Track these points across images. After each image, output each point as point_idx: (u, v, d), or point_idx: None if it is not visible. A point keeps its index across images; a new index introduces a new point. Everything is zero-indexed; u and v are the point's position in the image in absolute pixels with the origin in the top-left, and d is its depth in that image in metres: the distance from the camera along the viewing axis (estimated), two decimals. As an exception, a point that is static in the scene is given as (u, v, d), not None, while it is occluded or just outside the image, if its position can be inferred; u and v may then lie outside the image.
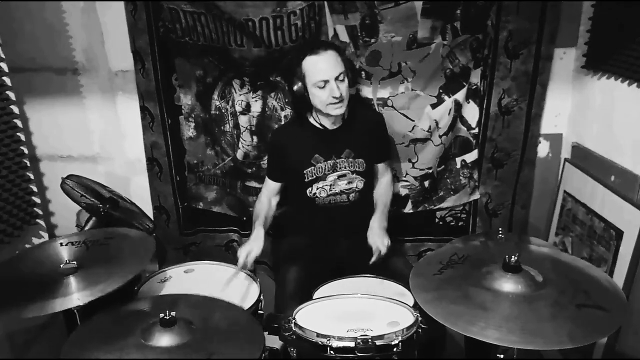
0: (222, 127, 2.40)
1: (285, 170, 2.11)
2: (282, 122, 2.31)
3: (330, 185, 2.04)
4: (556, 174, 2.39)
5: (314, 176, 2.04)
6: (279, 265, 2.22)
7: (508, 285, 1.38)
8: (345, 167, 2.03)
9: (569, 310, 1.30)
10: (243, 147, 2.40)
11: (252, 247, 1.88)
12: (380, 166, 2.16)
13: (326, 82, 1.89)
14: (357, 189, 2.06)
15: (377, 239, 1.96)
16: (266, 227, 2.04)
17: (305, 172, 2.03)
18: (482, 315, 1.30)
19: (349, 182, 2.04)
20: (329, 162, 2.03)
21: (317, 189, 2.05)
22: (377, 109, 2.24)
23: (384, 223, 2.05)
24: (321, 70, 1.90)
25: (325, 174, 2.04)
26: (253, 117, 2.33)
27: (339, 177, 2.04)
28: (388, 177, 2.20)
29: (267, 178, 2.16)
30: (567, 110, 2.33)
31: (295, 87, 1.94)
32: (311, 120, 2.07)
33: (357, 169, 2.04)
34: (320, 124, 2.05)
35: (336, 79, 1.90)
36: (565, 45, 2.21)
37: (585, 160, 2.19)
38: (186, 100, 2.38)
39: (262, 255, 2.56)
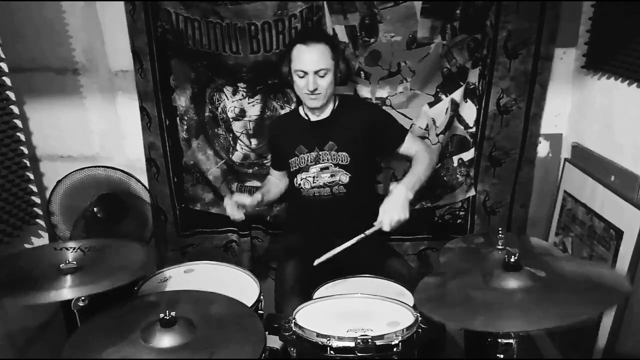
0: (216, 130, 2.41)
1: (279, 160, 2.17)
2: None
3: (314, 177, 2.04)
4: (556, 173, 2.39)
5: (297, 166, 2.05)
6: (277, 260, 2.24)
7: (510, 282, 1.37)
8: (327, 160, 2.02)
9: (569, 293, 1.29)
10: (242, 149, 2.40)
11: (244, 200, 1.97)
12: (404, 147, 2.05)
13: (305, 73, 1.91)
14: (340, 183, 2.03)
15: (389, 207, 1.76)
16: (265, 198, 2.09)
17: (290, 161, 2.06)
18: (483, 310, 1.29)
19: (331, 175, 2.03)
20: (311, 153, 2.03)
21: (302, 179, 2.05)
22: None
23: (405, 191, 1.80)
24: (303, 61, 1.91)
25: (308, 165, 2.04)
26: (250, 121, 2.34)
27: (322, 169, 2.03)
28: (420, 149, 2.01)
29: (271, 167, 2.27)
30: (567, 110, 2.33)
31: (283, 69, 1.98)
32: (300, 111, 2.10)
33: (340, 162, 2.02)
34: (306, 115, 2.07)
35: (316, 73, 1.90)
36: (565, 45, 2.22)
37: (585, 160, 2.19)
38: (180, 102, 2.38)
39: (262, 255, 2.61)
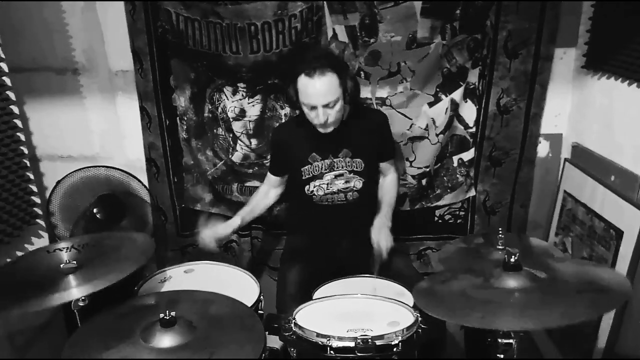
0: (215, 131, 2.41)
1: (285, 167, 2.12)
2: (283, 120, 2.32)
3: (328, 184, 2.03)
4: (556, 173, 2.39)
5: (311, 174, 2.04)
6: (280, 264, 2.22)
7: (510, 282, 1.37)
8: (342, 167, 2.02)
9: (570, 296, 1.30)
10: (242, 149, 2.40)
11: (217, 231, 2.02)
12: (384, 165, 2.14)
13: (314, 107, 1.86)
14: (355, 189, 2.04)
15: (379, 236, 1.93)
16: (247, 219, 2.11)
17: (302, 169, 2.03)
18: (481, 308, 1.29)
19: (346, 182, 2.03)
20: (325, 161, 2.02)
21: (314, 187, 2.04)
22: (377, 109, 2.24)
23: (387, 222, 2.01)
24: (311, 96, 1.84)
25: (322, 172, 2.03)
26: (250, 121, 2.34)
27: (336, 176, 2.03)
28: (392, 176, 2.17)
29: (269, 172, 2.19)
30: (567, 110, 2.33)
31: (289, 93, 1.93)
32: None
33: (355, 169, 2.03)
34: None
35: (325, 106, 1.84)
36: (565, 45, 2.22)
37: (585, 160, 2.19)
38: (180, 102, 2.38)
39: (262, 255, 2.61)
